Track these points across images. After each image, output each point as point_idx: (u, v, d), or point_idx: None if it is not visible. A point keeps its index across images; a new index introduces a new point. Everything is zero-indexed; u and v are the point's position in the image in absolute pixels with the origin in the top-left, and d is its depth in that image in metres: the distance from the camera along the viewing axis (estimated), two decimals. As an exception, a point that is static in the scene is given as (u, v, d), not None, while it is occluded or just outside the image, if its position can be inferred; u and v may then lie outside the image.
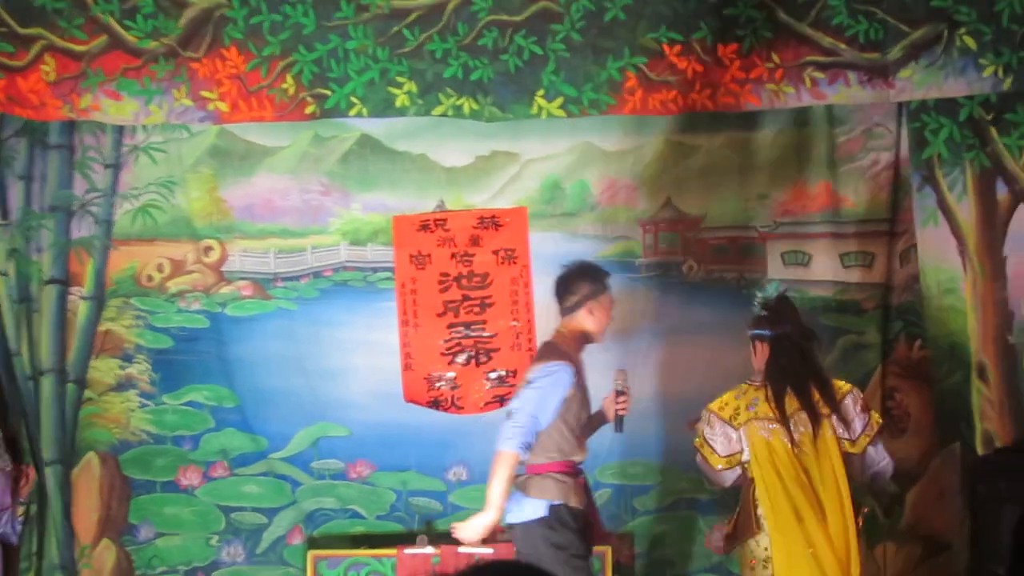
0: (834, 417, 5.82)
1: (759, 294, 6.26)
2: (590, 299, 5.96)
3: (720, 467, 5.98)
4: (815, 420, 5.81)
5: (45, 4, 6.67)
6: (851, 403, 5.89)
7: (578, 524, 5.83)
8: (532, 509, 5.82)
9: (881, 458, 5.90)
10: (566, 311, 6.00)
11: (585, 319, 5.97)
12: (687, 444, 6.52)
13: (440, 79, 6.56)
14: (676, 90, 6.47)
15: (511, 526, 5.93)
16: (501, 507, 5.76)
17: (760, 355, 6.04)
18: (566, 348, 5.94)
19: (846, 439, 5.83)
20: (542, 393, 5.83)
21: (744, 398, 6.00)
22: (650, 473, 7.29)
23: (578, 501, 5.85)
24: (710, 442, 5.98)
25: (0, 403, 7.18)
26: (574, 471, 5.90)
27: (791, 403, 5.87)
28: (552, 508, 5.79)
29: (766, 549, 5.85)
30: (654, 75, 6.48)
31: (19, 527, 7.04)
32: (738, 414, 5.92)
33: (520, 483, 5.86)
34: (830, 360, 7.01)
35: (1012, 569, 1.59)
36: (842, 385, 6.04)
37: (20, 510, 7.06)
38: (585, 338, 5.99)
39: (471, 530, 5.81)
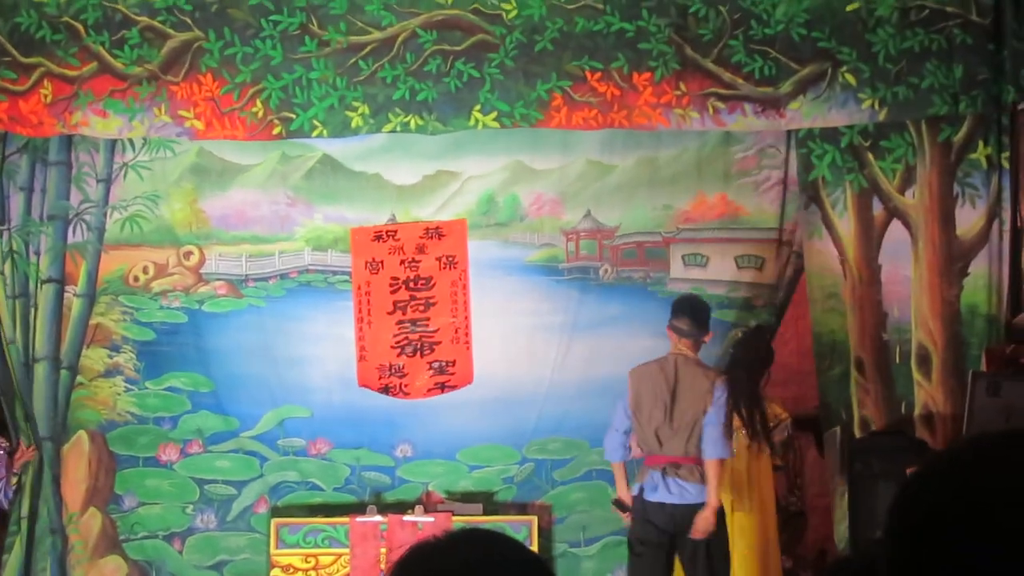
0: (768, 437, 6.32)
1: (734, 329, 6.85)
2: (709, 328, 6.14)
3: None
4: (759, 435, 6.25)
5: (45, 36, 6.34)
6: (782, 429, 6.37)
7: None
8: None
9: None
10: (694, 334, 6.04)
11: (706, 339, 6.11)
12: (599, 422, 6.50)
13: (390, 101, 6.31)
14: (597, 109, 6.25)
15: (676, 506, 5.88)
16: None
17: None
18: None
19: (777, 455, 6.33)
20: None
21: None
22: (568, 448, 7.02)
23: None
24: None
25: None
26: None
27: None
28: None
29: None
30: (577, 96, 6.26)
31: (11, 495, 6.75)
32: None
33: (692, 471, 5.90)
34: (721, 350, 6.77)
35: (891, 550, 1.35)
36: (780, 412, 6.45)
37: (13, 480, 6.76)
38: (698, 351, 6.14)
39: (706, 523, 5.85)
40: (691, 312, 6.08)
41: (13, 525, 6.81)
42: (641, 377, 6.05)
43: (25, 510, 6.80)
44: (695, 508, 5.84)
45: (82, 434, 6.94)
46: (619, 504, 6.13)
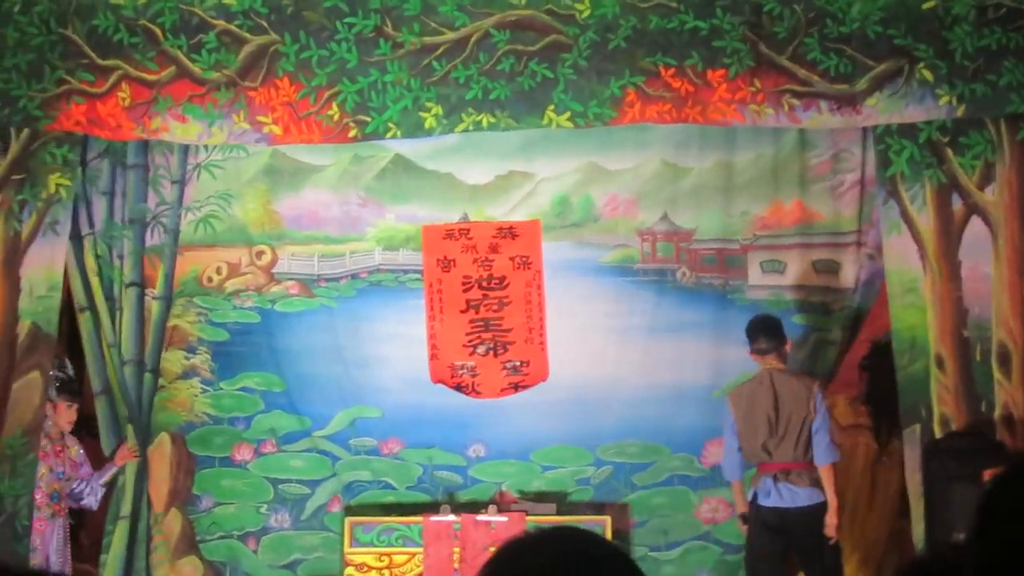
0: None
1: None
2: (785, 338, 6.55)
3: None
4: None
5: (123, 39, 6.46)
6: None
7: None
8: (817, 495, 6.30)
9: None
10: (773, 348, 6.46)
11: (787, 348, 6.53)
12: (680, 427, 6.96)
13: (463, 101, 6.37)
14: (671, 104, 6.32)
15: (787, 509, 6.28)
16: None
17: None
18: None
19: None
20: None
21: None
22: (646, 452, 7.12)
23: None
24: None
25: (82, 385, 7.07)
26: None
27: None
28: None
29: None
30: (651, 91, 6.32)
31: (100, 494, 6.91)
32: None
33: (801, 476, 6.31)
34: (801, 356, 6.93)
35: (981, 549, 1.51)
36: None
37: (106, 477, 6.93)
38: (786, 361, 6.49)
39: (832, 524, 6.31)
40: (764, 331, 6.45)
41: (110, 524, 7.01)
42: (741, 397, 6.43)
43: (125, 510, 7.02)
44: (805, 510, 6.26)
45: (164, 436, 7.12)
46: (744, 518, 6.52)
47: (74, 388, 6.86)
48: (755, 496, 6.39)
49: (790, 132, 7.01)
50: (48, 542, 6.61)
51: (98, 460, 6.99)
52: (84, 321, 7.05)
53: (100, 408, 7.09)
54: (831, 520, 6.28)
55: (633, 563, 1.84)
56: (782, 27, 6.39)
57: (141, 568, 7.05)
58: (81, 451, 6.89)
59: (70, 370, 6.88)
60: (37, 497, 6.56)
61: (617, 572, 1.79)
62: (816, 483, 6.31)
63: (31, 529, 6.48)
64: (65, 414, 6.75)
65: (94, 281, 7.03)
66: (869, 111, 6.44)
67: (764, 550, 6.36)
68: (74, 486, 6.82)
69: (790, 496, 6.29)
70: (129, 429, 7.08)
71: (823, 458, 6.31)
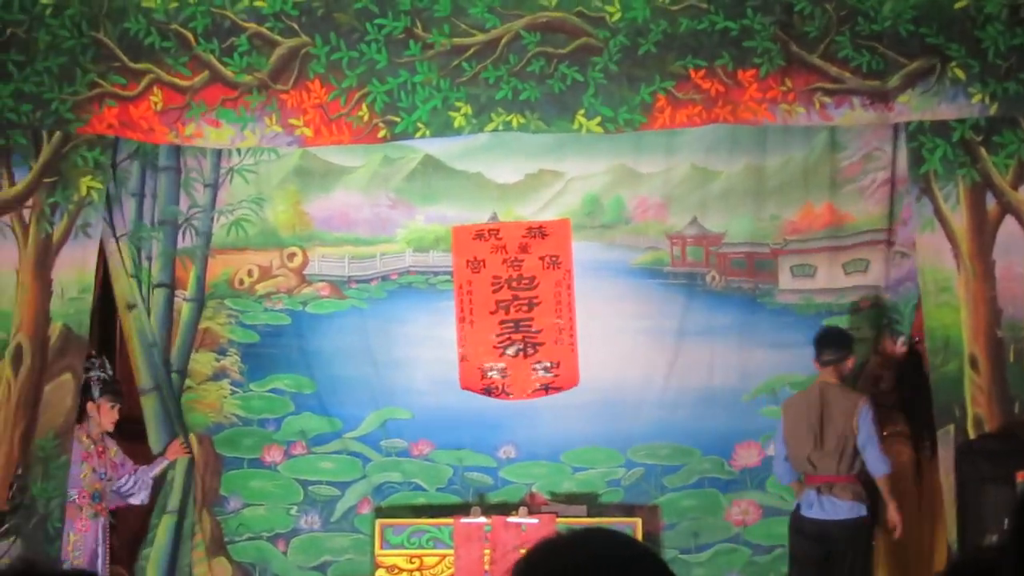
0: None
1: None
2: (851, 353, 6.63)
3: None
4: None
5: (154, 43, 6.53)
6: None
7: None
8: (859, 509, 6.41)
9: None
10: (837, 360, 6.55)
11: (849, 363, 6.60)
12: (711, 430, 7.00)
13: (493, 101, 6.42)
14: (701, 106, 6.36)
15: (827, 521, 6.38)
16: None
17: None
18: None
19: None
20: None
21: None
22: (677, 455, 7.15)
23: None
24: None
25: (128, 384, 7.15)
26: None
27: None
28: (868, 508, 6.42)
29: None
30: (681, 94, 6.37)
31: (149, 488, 6.99)
32: None
33: (844, 489, 6.41)
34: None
35: (1017, 551, 1.55)
36: None
37: (157, 471, 7.03)
38: (843, 376, 6.56)
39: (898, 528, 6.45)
40: (832, 343, 6.57)
41: (155, 518, 7.09)
42: (789, 408, 6.56)
43: (173, 504, 7.10)
44: (846, 523, 6.37)
45: (191, 438, 7.17)
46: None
47: (117, 388, 6.93)
48: (799, 506, 6.48)
49: (820, 134, 7.03)
50: (90, 543, 6.70)
51: (144, 459, 7.07)
52: (134, 319, 7.12)
53: (149, 406, 7.15)
54: (893, 517, 6.41)
55: (664, 564, 1.85)
56: (813, 26, 6.43)
57: (186, 564, 7.12)
58: (120, 451, 6.98)
59: (110, 370, 6.97)
60: (78, 498, 6.64)
61: (648, 574, 1.81)
62: (858, 497, 6.40)
63: (63, 531, 6.54)
64: (108, 414, 6.84)
65: (132, 282, 7.11)
66: (901, 108, 6.48)
67: (809, 557, 6.45)
68: (120, 483, 6.90)
69: (832, 509, 6.40)
70: (177, 428, 7.16)
71: (876, 469, 6.41)
